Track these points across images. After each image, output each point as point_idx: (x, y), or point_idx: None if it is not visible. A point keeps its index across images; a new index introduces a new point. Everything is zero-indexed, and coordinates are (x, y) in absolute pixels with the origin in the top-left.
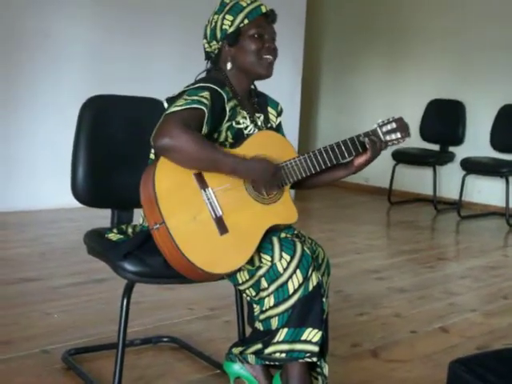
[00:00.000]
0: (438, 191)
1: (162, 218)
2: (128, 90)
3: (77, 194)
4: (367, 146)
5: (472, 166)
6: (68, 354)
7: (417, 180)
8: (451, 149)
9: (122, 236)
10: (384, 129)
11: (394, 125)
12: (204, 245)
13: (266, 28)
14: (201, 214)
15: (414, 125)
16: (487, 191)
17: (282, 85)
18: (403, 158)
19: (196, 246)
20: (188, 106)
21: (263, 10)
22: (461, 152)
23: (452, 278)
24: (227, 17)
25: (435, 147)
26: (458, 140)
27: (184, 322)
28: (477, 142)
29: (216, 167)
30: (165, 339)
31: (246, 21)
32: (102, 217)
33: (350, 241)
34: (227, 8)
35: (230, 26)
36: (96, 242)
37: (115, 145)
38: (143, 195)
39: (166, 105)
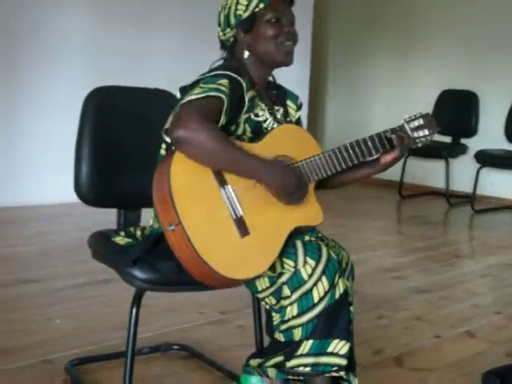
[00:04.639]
0: (450, 184)
1: (177, 219)
2: (128, 82)
3: (80, 193)
4: (395, 142)
5: (487, 159)
6: (71, 365)
7: (428, 173)
8: (463, 141)
9: (130, 240)
10: (411, 125)
11: (421, 121)
12: (223, 247)
13: (284, 11)
14: (220, 214)
15: None
16: (502, 184)
17: (289, 76)
18: (414, 150)
19: (215, 249)
20: (206, 94)
21: None
22: (473, 144)
23: (472, 277)
24: (241, 1)
25: (447, 139)
26: (471, 132)
27: (194, 326)
28: (490, 133)
29: (235, 168)
30: (175, 347)
31: (261, 5)
32: (105, 212)
33: (363, 237)
34: None
35: (244, 11)
36: (102, 245)
37: (121, 139)
38: (156, 194)
39: (178, 95)
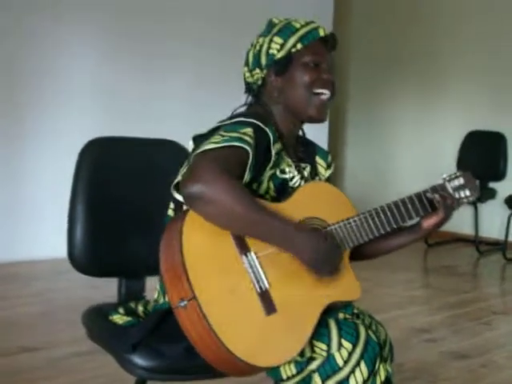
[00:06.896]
0: (479, 231)
1: (192, 293)
2: (140, 129)
3: (74, 260)
4: (436, 204)
5: None
6: None
7: (455, 219)
8: (492, 185)
9: (130, 318)
10: (452, 184)
11: (461, 180)
12: (245, 328)
13: (324, 56)
14: (241, 287)
15: (451, 159)
16: None
17: None
18: None
19: (235, 329)
20: (227, 144)
21: (321, 33)
22: (502, 188)
23: None
24: (276, 39)
25: None
26: (500, 175)
27: None
28: None
29: (258, 232)
30: None
31: (299, 45)
32: None
33: (388, 292)
34: (276, 29)
35: (278, 51)
36: (98, 325)
37: (121, 198)
38: (165, 264)
39: (191, 144)
